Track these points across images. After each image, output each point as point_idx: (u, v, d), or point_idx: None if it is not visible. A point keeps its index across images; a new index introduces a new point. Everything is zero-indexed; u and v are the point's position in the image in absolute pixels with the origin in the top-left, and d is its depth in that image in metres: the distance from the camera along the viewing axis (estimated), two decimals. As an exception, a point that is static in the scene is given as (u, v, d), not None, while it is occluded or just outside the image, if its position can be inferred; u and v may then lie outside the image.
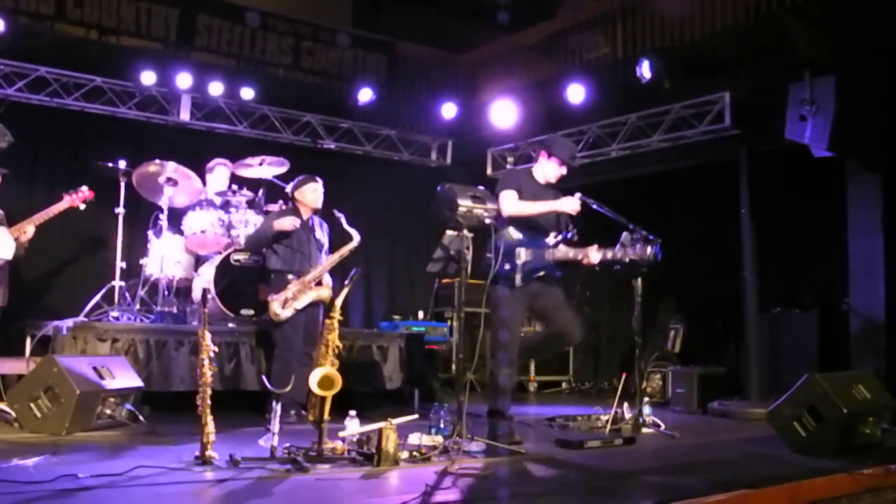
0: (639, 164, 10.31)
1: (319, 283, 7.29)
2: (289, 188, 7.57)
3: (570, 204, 6.06)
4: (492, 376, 6.12)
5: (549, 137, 7.00)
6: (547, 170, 6.34)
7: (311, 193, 7.41)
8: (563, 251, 6.07)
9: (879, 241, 8.21)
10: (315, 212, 7.50)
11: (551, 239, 6.13)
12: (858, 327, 8.35)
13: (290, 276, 7.19)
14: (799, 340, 9.23)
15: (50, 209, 7.17)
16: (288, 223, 7.22)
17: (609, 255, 6.07)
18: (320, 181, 7.49)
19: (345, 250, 7.28)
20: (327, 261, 7.31)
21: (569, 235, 6.14)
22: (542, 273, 6.07)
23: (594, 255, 6.03)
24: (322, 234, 7.57)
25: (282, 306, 7.06)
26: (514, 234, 6.09)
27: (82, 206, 7.48)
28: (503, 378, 6.04)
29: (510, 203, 6.09)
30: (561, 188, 6.34)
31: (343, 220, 7.26)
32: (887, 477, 5.13)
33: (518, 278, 6.00)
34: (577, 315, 6.41)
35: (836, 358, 8.50)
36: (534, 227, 6.15)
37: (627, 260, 6.12)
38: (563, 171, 6.32)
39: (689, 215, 10.23)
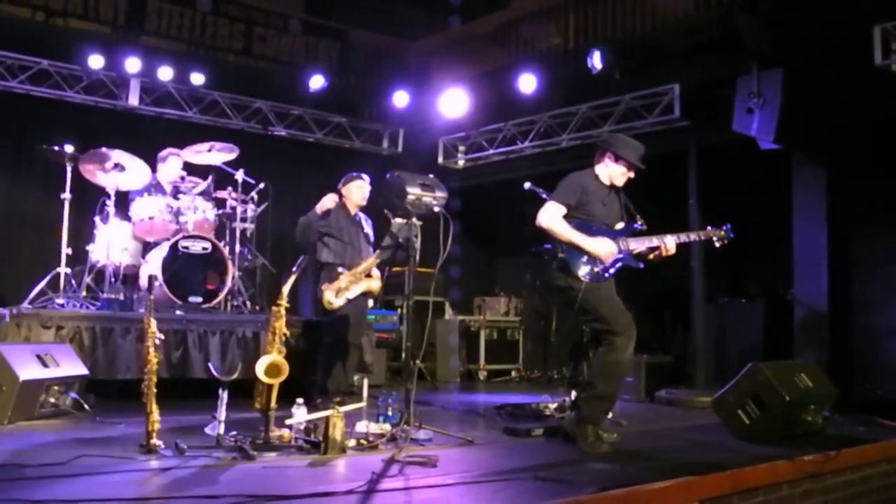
0: (589, 155, 10.28)
1: (369, 276, 7.34)
2: (339, 184, 7.58)
3: (606, 248, 5.51)
4: (609, 360, 5.54)
5: (612, 137, 6.41)
6: (613, 172, 5.82)
7: (358, 191, 7.52)
8: (637, 242, 5.68)
9: (823, 234, 8.39)
10: (360, 208, 7.58)
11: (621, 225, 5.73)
12: (802, 317, 8.51)
13: (340, 269, 7.26)
14: (744, 330, 9.39)
15: None
16: (328, 201, 7.33)
17: (683, 237, 5.80)
18: (367, 178, 7.58)
19: None
20: (375, 254, 7.30)
21: (637, 226, 5.76)
22: (621, 265, 5.62)
23: (670, 240, 5.71)
24: (369, 229, 7.66)
25: (335, 295, 7.13)
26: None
27: None
28: (625, 363, 5.66)
29: (550, 217, 5.53)
30: (508, 179, 6.20)
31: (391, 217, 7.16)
32: (826, 463, 5.25)
33: (599, 270, 5.52)
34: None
35: (780, 347, 8.66)
36: (596, 217, 5.67)
37: (702, 238, 6.00)
38: (631, 174, 5.84)
39: (637, 205, 10.30)
